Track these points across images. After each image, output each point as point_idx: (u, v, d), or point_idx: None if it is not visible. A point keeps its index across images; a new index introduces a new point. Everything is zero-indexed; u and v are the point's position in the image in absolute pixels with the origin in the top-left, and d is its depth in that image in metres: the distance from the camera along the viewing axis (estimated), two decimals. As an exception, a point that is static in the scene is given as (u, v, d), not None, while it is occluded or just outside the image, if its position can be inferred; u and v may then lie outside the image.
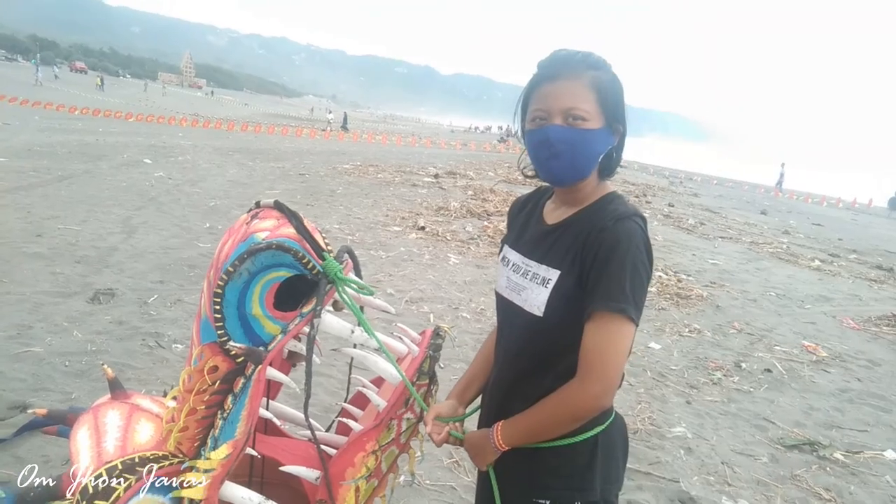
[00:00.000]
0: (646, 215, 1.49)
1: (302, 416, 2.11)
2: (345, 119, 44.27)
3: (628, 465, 3.48)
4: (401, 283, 6.53)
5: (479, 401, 1.80)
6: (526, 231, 1.64)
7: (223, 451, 1.75)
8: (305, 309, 1.75)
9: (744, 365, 5.48)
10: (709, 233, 13.42)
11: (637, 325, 1.39)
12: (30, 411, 2.72)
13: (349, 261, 1.92)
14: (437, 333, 1.89)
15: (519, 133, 1.60)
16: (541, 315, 1.46)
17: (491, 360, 1.76)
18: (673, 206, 17.20)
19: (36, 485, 1.95)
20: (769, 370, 5.44)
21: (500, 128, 64.82)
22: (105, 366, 2.13)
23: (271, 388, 2.12)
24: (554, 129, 1.43)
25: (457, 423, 1.72)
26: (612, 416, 1.56)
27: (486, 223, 10.27)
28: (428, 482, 3.18)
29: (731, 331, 6.47)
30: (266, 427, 2.21)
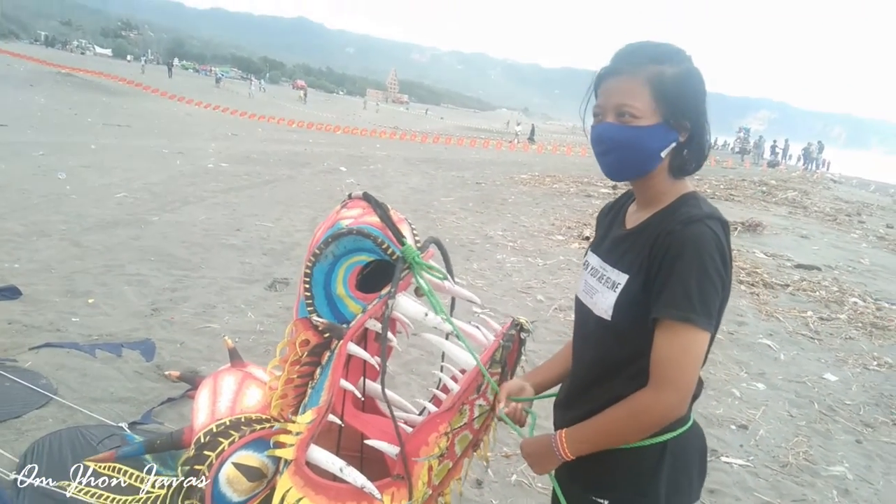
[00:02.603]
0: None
1: (397, 398, 2.27)
2: (532, 131, 44.66)
3: (765, 498, 3.20)
4: (553, 290, 6.50)
5: (552, 389, 1.81)
6: (608, 235, 1.62)
7: (308, 416, 1.92)
8: (384, 291, 1.87)
9: (943, 409, 4.69)
10: (933, 259, 11.58)
11: (712, 333, 1.34)
12: (165, 373, 3.17)
13: (432, 250, 2.02)
14: (514, 325, 1.92)
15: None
16: (608, 319, 1.44)
17: (569, 358, 1.75)
18: (892, 227, 15.08)
19: (163, 435, 2.30)
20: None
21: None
22: (226, 337, 2.44)
23: (369, 370, 2.27)
24: (604, 126, 1.43)
25: (524, 404, 1.73)
26: (688, 425, 1.50)
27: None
28: (540, 485, 3.17)
29: (935, 370, 5.56)
30: (364, 405, 2.38)
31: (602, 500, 1.50)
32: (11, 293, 4.60)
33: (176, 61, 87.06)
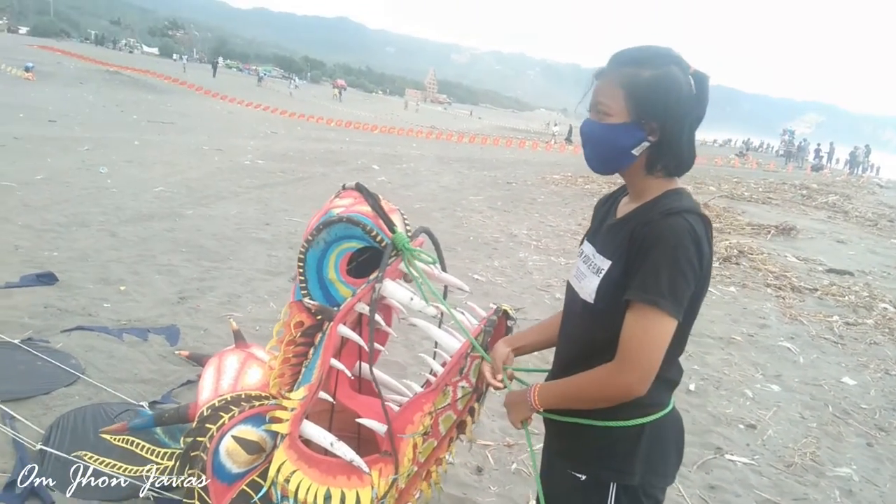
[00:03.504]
0: (709, 214, 1.45)
1: (390, 380, 2.38)
2: (569, 131, 44.30)
3: (764, 496, 3.22)
4: (573, 289, 6.51)
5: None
6: (602, 225, 1.70)
7: (301, 393, 2.05)
8: (373, 276, 1.98)
9: (965, 417, 4.60)
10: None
11: (677, 319, 1.41)
12: (176, 352, 3.32)
13: (422, 239, 2.12)
14: (496, 311, 2.00)
15: None
16: (591, 301, 1.54)
17: (552, 328, 1.82)
18: (937, 233, 14.65)
19: (170, 409, 2.45)
20: None
21: (745, 141, 59.47)
22: (231, 320, 2.58)
23: (364, 354, 2.38)
24: (585, 121, 1.57)
25: (513, 373, 1.81)
26: (667, 410, 1.58)
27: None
28: (539, 475, 3.23)
29: (963, 378, 5.44)
30: (360, 388, 2.49)
31: (580, 475, 1.59)
32: (48, 279, 4.86)
33: (220, 60, 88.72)
